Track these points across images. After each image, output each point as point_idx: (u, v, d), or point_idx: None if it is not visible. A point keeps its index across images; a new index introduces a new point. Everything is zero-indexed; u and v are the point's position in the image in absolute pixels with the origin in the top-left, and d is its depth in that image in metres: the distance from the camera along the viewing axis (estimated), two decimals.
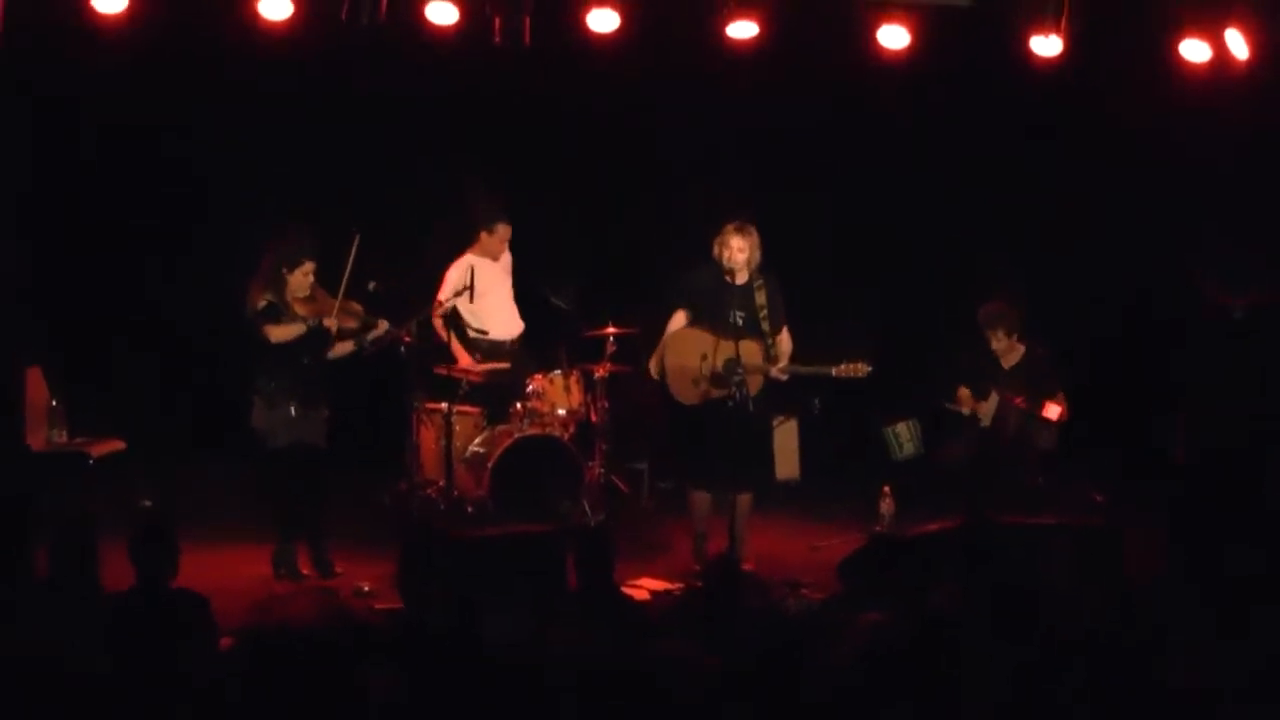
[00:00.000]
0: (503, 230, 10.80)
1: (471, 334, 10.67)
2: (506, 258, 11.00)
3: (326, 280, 9.29)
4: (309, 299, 9.18)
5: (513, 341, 10.93)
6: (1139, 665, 4.49)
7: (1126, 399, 11.50)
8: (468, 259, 10.71)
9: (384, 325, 9.51)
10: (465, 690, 4.77)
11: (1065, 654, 4.63)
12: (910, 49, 9.84)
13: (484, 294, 10.64)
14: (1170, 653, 4.80)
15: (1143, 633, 4.86)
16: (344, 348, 9.43)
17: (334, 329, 9.19)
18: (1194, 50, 9.76)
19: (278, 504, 9.26)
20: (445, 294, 10.58)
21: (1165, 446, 10.90)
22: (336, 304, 9.16)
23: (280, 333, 9.04)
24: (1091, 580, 5.34)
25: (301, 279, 9.15)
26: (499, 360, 10.70)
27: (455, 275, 10.59)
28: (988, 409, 10.32)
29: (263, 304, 9.04)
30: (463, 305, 10.63)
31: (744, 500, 9.34)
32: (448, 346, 10.55)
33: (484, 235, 10.78)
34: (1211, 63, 9.78)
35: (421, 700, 4.73)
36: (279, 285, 9.09)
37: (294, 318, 9.08)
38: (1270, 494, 9.86)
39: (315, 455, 9.23)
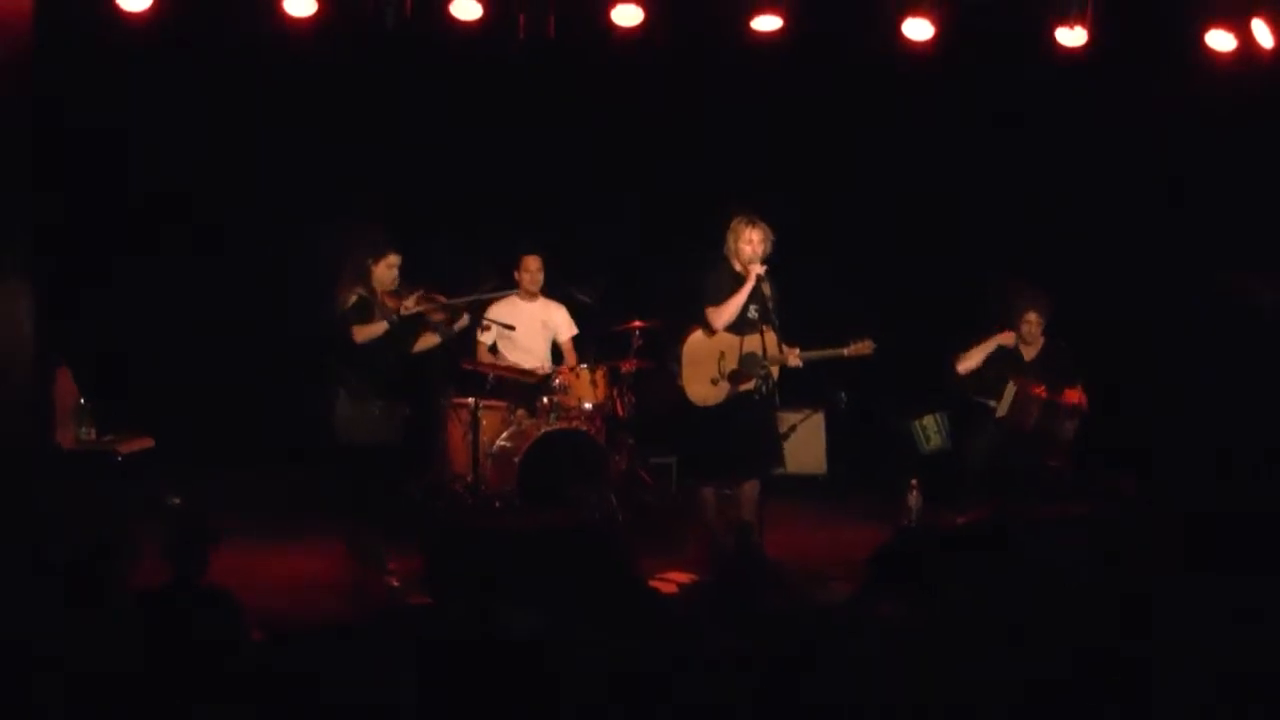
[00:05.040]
0: (528, 262, 10.80)
1: (497, 330, 10.60)
2: (559, 313, 11.01)
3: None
4: (395, 292, 9.23)
5: (537, 375, 10.84)
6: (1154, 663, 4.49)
7: (1149, 392, 11.46)
8: (510, 299, 10.73)
9: (466, 317, 9.59)
10: (488, 686, 4.78)
11: (1090, 655, 4.62)
12: (934, 41, 9.82)
13: (514, 334, 10.65)
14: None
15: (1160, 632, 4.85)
16: (429, 340, 9.50)
17: (407, 308, 9.18)
18: (1220, 40, 9.74)
19: (354, 500, 9.27)
20: (486, 334, 10.64)
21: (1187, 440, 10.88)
22: (418, 293, 9.20)
23: (365, 332, 9.05)
24: (1118, 576, 5.31)
25: (386, 271, 9.19)
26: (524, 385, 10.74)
27: (495, 310, 10.55)
28: (1005, 398, 10.33)
29: (354, 299, 9.07)
30: (501, 341, 10.71)
31: (755, 487, 9.29)
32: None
33: (516, 274, 10.80)
34: (1237, 52, 9.76)
35: (445, 696, 4.74)
36: (365, 279, 9.13)
37: (382, 314, 9.11)
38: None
39: (393, 453, 9.23)
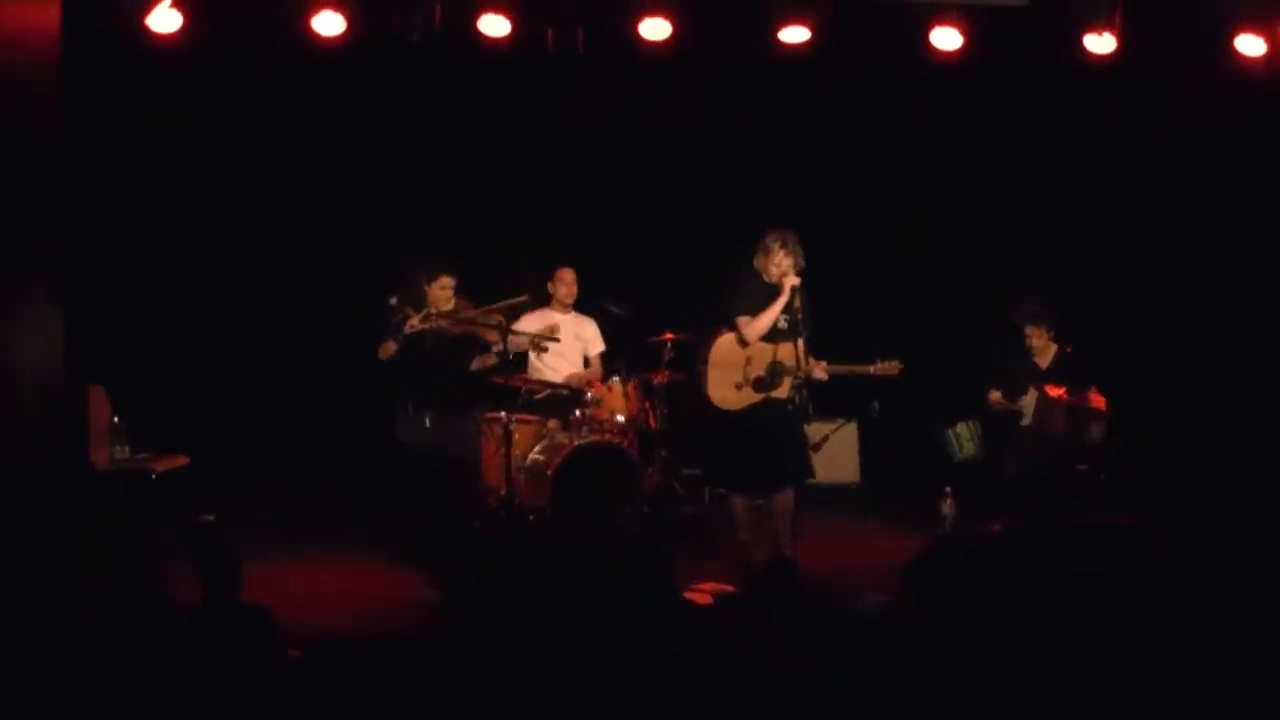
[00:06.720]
0: (563, 274, 10.77)
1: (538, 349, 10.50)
2: (590, 328, 10.94)
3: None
4: (452, 312, 9.46)
5: (570, 388, 10.74)
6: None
7: (1171, 397, 11.41)
8: (543, 311, 10.67)
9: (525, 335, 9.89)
10: (522, 703, 4.77)
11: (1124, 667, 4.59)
12: (963, 50, 9.82)
13: (550, 347, 10.54)
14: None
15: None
16: (487, 359, 9.70)
17: (412, 327, 9.38)
18: (1249, 45, 9.71)
19: (415, 512, 9.49)
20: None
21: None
22: (427, 309, 9.45)
23: (383, 351, 9.43)
24: (1153, 587, 5.28)
25: (439, 292, 9.50)
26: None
27: (531, 322, 10.46)
28: (1026, 404, 10.34)
29: (396, 319, 9.36)
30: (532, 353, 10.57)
31: (789, 497, 9.28)
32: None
33: (550, 286, 10.77)
34: (1266, 57, 9.73)
35: (479, 712, 4.74)
36: (419, 301, 9.38)
37: (392, 333, 9.36)
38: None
39: (454, 464, 9.53)
